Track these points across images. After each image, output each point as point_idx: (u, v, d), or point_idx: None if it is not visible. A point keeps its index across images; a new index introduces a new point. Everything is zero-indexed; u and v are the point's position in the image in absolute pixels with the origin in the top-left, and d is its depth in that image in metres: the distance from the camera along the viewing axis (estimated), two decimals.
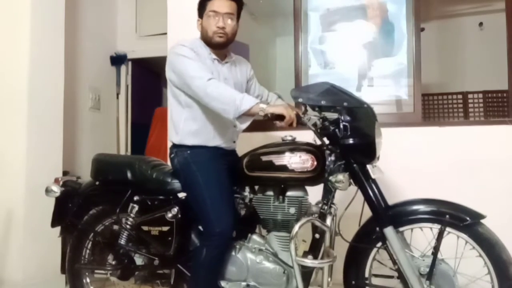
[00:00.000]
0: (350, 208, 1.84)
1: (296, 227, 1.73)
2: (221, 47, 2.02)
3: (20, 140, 2.81)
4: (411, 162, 2.59)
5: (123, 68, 4.29)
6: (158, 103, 4.76)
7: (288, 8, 3.21)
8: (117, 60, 4.22)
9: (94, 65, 3.98)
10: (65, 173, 3.25)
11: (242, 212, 1.96)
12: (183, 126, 2.00)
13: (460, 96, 4.28)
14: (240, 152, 2.06)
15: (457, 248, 1.70)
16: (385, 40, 3.09)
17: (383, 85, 3.09)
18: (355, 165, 1.77)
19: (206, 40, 2.00)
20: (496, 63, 3.08)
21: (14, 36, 2.86)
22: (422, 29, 3.08)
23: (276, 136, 1.99)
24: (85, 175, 3.68)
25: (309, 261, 1.76)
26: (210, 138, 1.99)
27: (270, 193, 1.91)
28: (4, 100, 2.85)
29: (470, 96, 4.22)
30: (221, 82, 1.91)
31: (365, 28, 3.11)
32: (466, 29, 4.55)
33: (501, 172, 2.49)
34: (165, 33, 3.17)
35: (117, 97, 4.30)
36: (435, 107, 4.35)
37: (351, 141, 1.74)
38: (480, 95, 4.21)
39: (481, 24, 4.48)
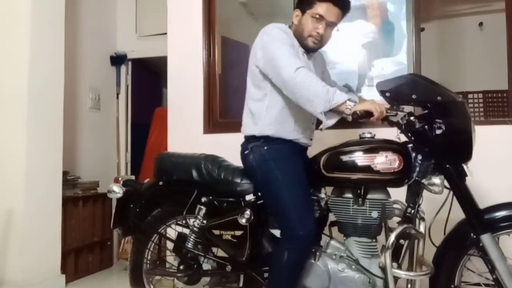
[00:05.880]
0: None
1: (392, 237, 1.62)
2: (310, 51, 1.92)
3: (20, 140, 2.81)
4: None
5: (123, 68, 4.28)
6: (158, 103, 4.75)
7: (288, 8, 3.20)
8: (117, 60, 4.22)
9: (94, 65, 3.98)
10: (65, 173, 3.24)
11: (315, 215, 1.82)
12: (265, 115, 1.85)
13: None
14: (312, 151, 1.93)
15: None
16: (385, 40, 3.09)
17: None
18: (448, 165, 1.64)
19: (298, 37, 1.87)
20: (496, 63, 3.07)
21: (14, 36, 2.86)
22: (422, 29, 3.08)
23: (351, 133, 1.81)
24: (85, 175, 3.70)
25: (403, 273, 1.64)
26: (290, 131, 1.86)
27: (349, 195, 1.77)
28: (4, 100, 2.85)
29: (470, 96, 4.21)
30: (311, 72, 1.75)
31: (365, 28, 3.11)
32: (466, 29, 4.54)
33: (501, 172, 2.48)
34: (165, 33, 3.18)
35: (117, 97, 4.30)
36: None
37: (447, 138, 1.61)
38: (480, 95, 4.20)
39: (481, 24, 4.46)
